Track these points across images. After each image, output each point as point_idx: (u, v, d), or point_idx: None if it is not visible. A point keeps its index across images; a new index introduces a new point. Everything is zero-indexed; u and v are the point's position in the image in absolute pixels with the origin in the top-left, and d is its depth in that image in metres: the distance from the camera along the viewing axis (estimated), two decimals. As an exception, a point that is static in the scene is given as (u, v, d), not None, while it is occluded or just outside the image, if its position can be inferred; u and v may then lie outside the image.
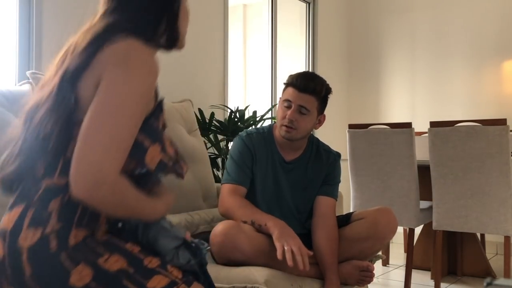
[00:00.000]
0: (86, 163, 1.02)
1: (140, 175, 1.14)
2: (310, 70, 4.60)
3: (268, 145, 2.14)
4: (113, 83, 1.07)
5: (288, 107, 2.05)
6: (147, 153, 1.12)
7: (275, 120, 2.19)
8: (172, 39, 1.24)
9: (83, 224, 1.08)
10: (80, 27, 1.22)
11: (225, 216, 2.04)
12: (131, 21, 1.17)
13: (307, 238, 2.09)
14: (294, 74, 2.10)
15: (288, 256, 1.77)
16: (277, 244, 1.80)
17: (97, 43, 1.12)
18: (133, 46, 1.12)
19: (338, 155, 2.24)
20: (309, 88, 2.04)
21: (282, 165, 2.14)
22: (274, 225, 1.87)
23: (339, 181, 2.23)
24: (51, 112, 1.11)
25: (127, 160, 1.08)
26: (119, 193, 1.06)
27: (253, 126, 3.21)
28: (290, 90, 2.06)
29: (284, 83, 2.13)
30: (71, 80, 1.11)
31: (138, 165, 1.12)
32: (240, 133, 2.20)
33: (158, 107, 1.19)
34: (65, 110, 1.10)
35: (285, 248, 1.78)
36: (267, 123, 3.25)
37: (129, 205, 1.10)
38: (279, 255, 1.77)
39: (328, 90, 2.10)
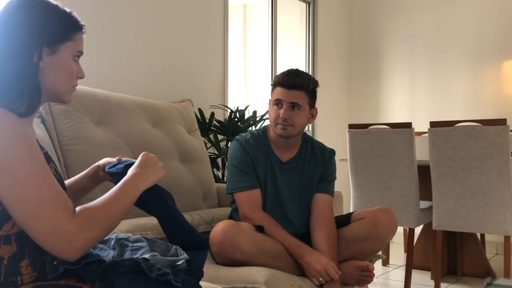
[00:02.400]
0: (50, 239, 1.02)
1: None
2: (310, 70, 4.60)
3: (265, 147, 2.15)
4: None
5: (280, 106, 2.06)
6: None
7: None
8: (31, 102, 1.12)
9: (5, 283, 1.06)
10: None
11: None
12: None
13: (307, 237, 2.09)
14: (280, 74, 2.12)
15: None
16: (312, 279, 1.91)
17: None
18: None
19: (332, 152, 2.25)
20: (297, 84, 2.05)
21: (279, 166, 2.14)
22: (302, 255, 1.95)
23: (335, 178, 2.24)
24: None
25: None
26: (88, 223, 1.06)
27: (252, 127, 3.20)
28: (279, 89, 2.08)
29: (271, 84, 2.15)
30: None
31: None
32: (236, 138, 2.20)
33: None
34: None
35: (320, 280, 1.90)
36: (267, 123, 3.24)
37: (106, 216, 1.10)
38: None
39: (315, 84, 2.12)
